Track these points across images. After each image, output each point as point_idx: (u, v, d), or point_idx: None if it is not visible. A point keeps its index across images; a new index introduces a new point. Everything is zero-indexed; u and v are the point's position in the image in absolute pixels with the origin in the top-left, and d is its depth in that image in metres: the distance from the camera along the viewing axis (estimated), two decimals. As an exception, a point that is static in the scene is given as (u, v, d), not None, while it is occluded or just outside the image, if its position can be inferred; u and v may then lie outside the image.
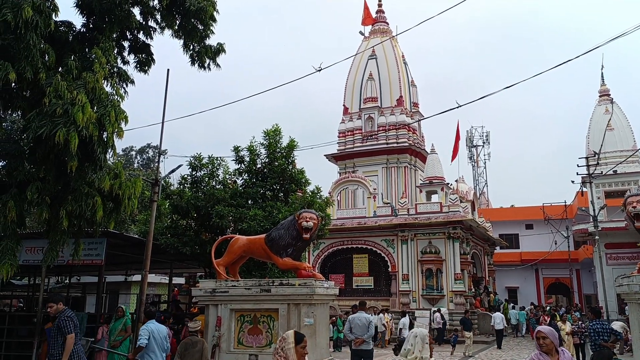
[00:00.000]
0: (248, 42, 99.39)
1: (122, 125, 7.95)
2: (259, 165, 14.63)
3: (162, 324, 8.60)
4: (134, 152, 58.75)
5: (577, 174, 24.35)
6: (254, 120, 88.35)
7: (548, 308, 27.18)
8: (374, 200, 27.52)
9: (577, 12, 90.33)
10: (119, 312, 10.98)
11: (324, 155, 31.81)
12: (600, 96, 29.86)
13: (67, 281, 21.27)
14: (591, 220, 24.92)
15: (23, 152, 7.85)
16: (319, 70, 8.59)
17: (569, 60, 9.18)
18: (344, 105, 32.78)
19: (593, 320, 9.13)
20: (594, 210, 23.21)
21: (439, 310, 22.70)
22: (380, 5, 34.62)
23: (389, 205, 27.40)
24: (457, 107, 8.46)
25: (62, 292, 23.46)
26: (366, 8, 33.87)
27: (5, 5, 6.72)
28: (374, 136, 30.41)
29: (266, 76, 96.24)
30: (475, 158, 52.71)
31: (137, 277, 24.77)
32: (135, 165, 55.01)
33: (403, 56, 33.03)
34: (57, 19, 8.22)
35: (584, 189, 26.09)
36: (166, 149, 24.91)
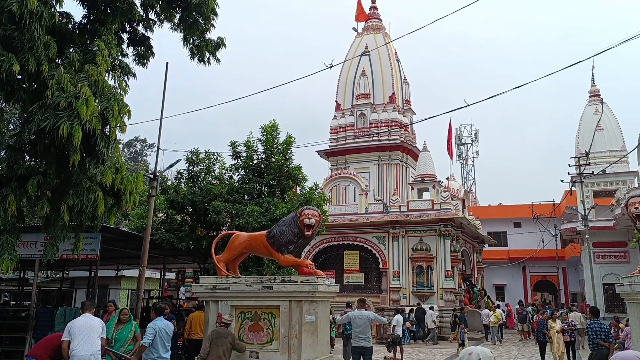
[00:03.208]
0: (232, 34, 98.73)
1: (125, 119, 7.86)
2: (255, 161, 14.56)
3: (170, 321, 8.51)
4: (121, 145, 58.19)
5: (568, 173, 24.64)
6: (235, 110, 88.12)
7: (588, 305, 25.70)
8: (366, 197, 27.57)
9: (565, 10, 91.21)
10: (123, 314, 8.47)
11: (316, 151, 31.76)
12: (590, 96, 30.16)
13: (58, 276, 21.02)
14: (579, 219, 25.23)
15: (24, 145, 7.71)
16: (330, 67, 8.57)
17: (565, 68, 9.24)
18: (336, 102, 32.73)
19: (592, 319, 9.27)
20: (584, 209, 23.48)
21: (499, 306, 23.01)
22: (373, 2, 34.59)
23: (380, 202, 27.46)
24: (466, 107, 8.47)
25: (52, 286, 23.23)
26: (359, 4, 33.81)
27: (10, -6, 6.58)
28: (366, 133, 30.42)
29: (251, 70, 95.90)
30: (464, 156, 53.02)
31: (128, 272, 24.59)
32: (123, 159, 54.44)
33: (396, 53, 33.06)
34: (59, 10, 8.08)
35: (573, 188, 26.36)
36: (153, 143, 24.62)
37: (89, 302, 7.87)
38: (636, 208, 7.26)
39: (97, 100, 7.39)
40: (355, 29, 34.13)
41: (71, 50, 8.23)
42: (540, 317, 16.23)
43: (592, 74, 29.86)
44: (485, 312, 23.85)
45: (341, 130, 31.56)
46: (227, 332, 7.65)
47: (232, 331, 8.00)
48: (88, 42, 8.64)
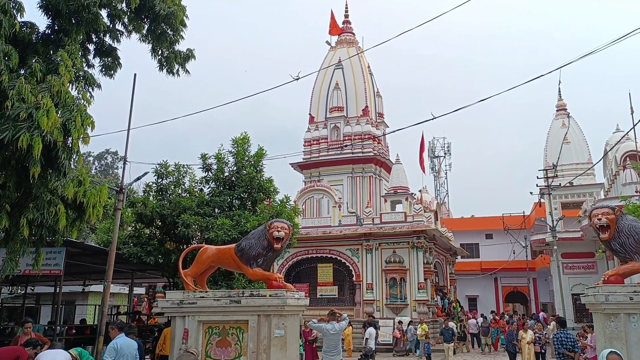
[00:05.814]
0: (202, 45, 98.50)
1: (89, 130, 7.69)
2: (226, 174, 14.41)
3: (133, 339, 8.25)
4: (91, 158, 57.25)
5: (537, 185, 25.11)
6: (213, 125, 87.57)
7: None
8: (339, 210, 27.58)
9: (533, 21, 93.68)
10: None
11: (290, 164, 31.74)
12: (557, 110, 30.95)
13: (22, 292, 20.36)
14: (548, 230, 25.70)
15: (-19, 157, 7.45)
16: (297, 79, 8.55)
17: (534, 79, 9.44)
18: (310, 114, 32.81)
19: (559, 329, 9.38)
20: (552, 220, 23.92)
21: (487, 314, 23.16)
22: (346, 16, 34.95)
23: (354, 214, 27.50)
24: (433, 119, 8.55)
25: (17, 302, 22.48)
26: (333, 18, 34.12)
27: (-33, 3, 6.40)
28: (339, 145, 30.52)
29: (233, 89, 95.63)
30: (437, 168, 53.60)
31: (95, 287, 23.99)
32: (93, 171, 53.59)
33: (369, 66, 33.39)
34: (21, 20, 7.90)
35: (542, 200, 26.86)
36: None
37: (59, 344, 8.02)
38: (599, 219, 7.36)
39: (59, 111, 7.21)
40: (328, 43, 34.41)
41: (34, 60, 8.04)
42: (511, 327, 16.39)
43: (559, 88, 30.65)
44: (472, 321, 24.30)
45: (315, 142, 31.63)
46: (190, 353, 7.44)
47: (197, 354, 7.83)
48: (52, 52, 8.46)
